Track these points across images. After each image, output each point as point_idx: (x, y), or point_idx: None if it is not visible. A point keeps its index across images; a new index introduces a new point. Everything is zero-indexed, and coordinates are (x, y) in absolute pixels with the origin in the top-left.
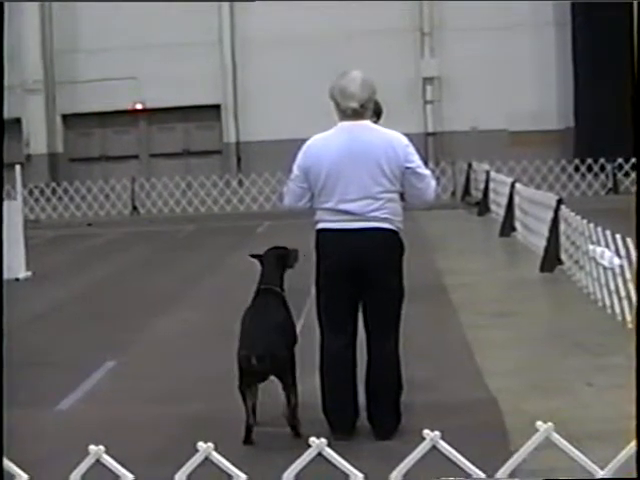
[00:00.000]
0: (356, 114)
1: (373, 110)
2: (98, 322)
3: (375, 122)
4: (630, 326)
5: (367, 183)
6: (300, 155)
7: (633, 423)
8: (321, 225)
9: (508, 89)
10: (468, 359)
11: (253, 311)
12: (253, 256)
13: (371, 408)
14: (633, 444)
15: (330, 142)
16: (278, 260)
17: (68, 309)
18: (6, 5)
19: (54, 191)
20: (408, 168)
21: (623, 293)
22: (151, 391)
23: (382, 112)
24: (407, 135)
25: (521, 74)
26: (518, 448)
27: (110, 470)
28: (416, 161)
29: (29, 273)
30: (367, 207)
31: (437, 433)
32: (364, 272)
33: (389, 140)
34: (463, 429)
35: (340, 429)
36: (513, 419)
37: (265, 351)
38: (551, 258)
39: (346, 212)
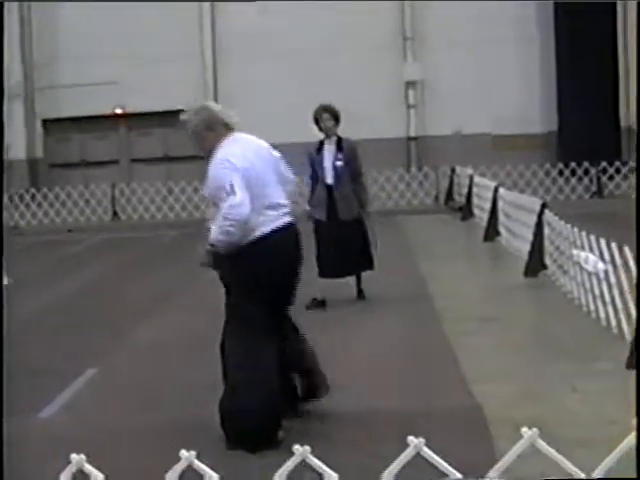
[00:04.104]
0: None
1: (332, 115)
2: (79, 329)
3: (335, 126)
4: (615, 331)
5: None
6: (230, 168)
7: (618, 429)
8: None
9: (491, 93)
10: (452, 365)
11: None
12: None
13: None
14: (617, 451)
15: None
16: None
17: (49, 316)
18: None
19: (34, 197)
20: None
21: (608, 298)
22: (132, 399)
23: (340, 118)
24: (389, 140)
25: (504, 78)
26: (503, 454)
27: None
28: None
29: (9, 280)
30: None
31: (421, 440)
32: None
33: None
34: (447, 435)
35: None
36: (498, 425)
37: None
38: (535, 263)
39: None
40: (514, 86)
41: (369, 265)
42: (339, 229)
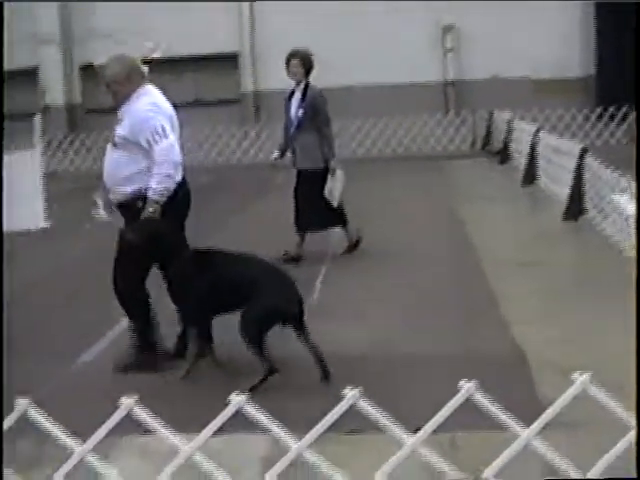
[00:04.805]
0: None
1: (301, 62)
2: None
3: (302, 73)
4: None
5: None
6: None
7: None
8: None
9: (530, 37)
10: (493, 309)
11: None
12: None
13: None
14: None
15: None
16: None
17: (87, 260)
18: None
19: (72, 143)
20: None
21: None
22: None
23: (312, 68)
24: (427, 84)
25: (543, 21)
26: (546, 399)
27: (140, 423)
28: None
29: (47, 225)
30: None
31: (472, 384)
32: None
33: None
34: (489, 380)
35: None
36: (540, 370)
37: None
38: (575, 207)
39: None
40: (553, 29)
41: (332, 221)
42: (297, 180)
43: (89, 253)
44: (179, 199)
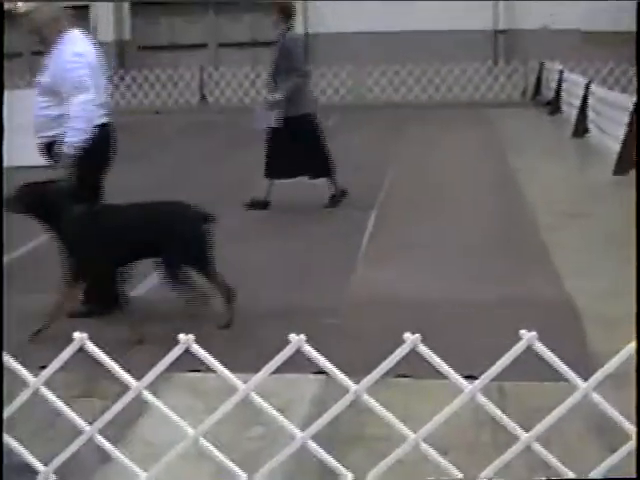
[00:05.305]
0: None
1: (278, 10)
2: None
3: (281, 21)
4: None
5: None
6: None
7: None
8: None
9: None
10: (544, 258)
11: None
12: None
13: None
14: None
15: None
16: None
17: (137, 195)
18: None
19: (122, 78)
20: None
21: None
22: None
23: (291, 16)
24: (477, 32)
25: None
26: (597, 353)
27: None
28: None
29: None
30: None
31: (534, 333)
32: None
33: None
34: (539, 328)
35: None
36: (590, 321)
37: None
38: (626, 161)
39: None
40: None
41: (309, 170)
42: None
43: (143, 185)
44: (96, 148)
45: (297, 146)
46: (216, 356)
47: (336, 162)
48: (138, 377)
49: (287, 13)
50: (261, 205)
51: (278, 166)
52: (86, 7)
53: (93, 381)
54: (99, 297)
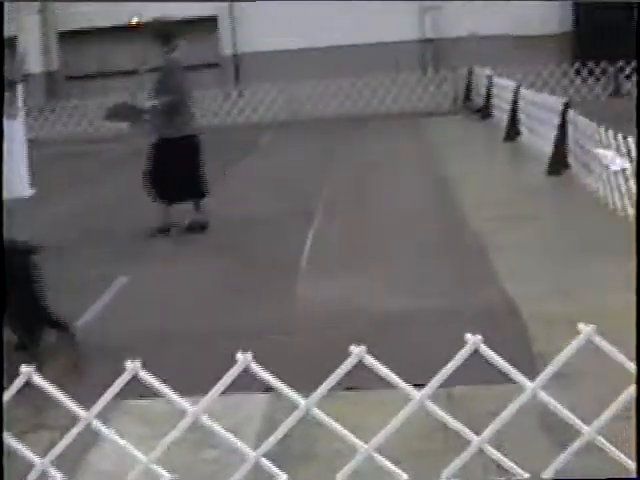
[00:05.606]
0: None
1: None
2: (106, 237)
3: (162, 45)
4: None
5: None
6: None
7: None
8: None
9: None
10: (484, 262)
11: None
12: None
13: None
14: None
15: None
16: None
17: (74, 225)
18: None
19: (53, 109)
20: None
21: (635, 195)
22: (165, 306)
23: (173, 36)
24: (405, 42)
25: None
26: (542, 352)
27: (147, 386)
28: None
29: (33, 191)
30: None
31: (478, 337)
32: None
33: None
34: (483, 332)
35: None
36: (532, 323)
37: None
38: (558, 162)
39: None
40: None
41: (191, 193)
42: (159, 147)
43: (76, 215)
44: None
45: (177, 168)
46: (163, 380)
47: (270, 179)
48: (87, 406)
49: (165, 38)
50: (165, 230)
51: (165, 190)
52: (14, 38)
53: (42, 413)
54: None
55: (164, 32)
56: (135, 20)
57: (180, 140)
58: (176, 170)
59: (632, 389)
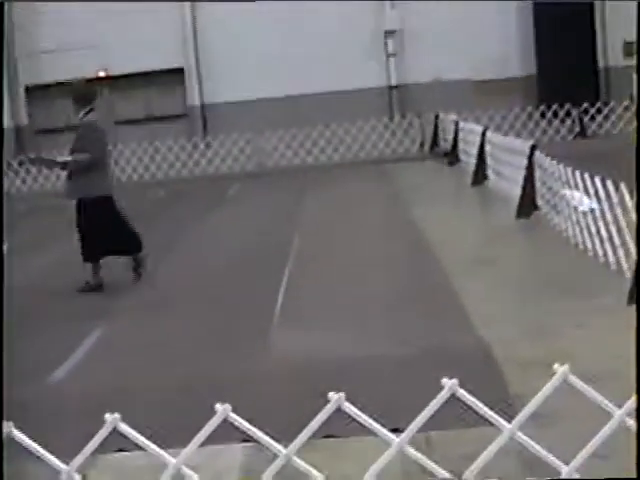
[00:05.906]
0: None
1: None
2: (77, 293)
3: (78, 108)
4: (614, 268)
5: None
6: None
7: (623, 362)
8: None
9: (470, 39)
10: (456, 307)
11: None
12: None
13: None
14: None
15: None
16: None
17: (49, 280)
18: None
19: (21, 163)
20: None
21: (605, 236)
22: (143, 358)
23: (91, 98)
24: (371, 89)
25: (482, 24)
26: (518, 394)
27: (128, 439)
28: None
29: (4, 246)
30: None
31: (455, 381)
32: None
33: None
34: (459, 376)
35: None
36: (506, 365)
37: None
38: (527, 204)
39: None
40: (492, 31)
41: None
42: (82, 209)
43: (49, 270)
44: None
45: (98, 227)
46: (142, 433)
47: (240, 229)
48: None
49: (82, 99)
50: (96, 288)
51: (91, 248)
52: None
53: (21, 467)
54: None
55: (81, 94)
56: (102, 73)
57: (97, 200)
58: (97, 228)
59: (607, 428)
